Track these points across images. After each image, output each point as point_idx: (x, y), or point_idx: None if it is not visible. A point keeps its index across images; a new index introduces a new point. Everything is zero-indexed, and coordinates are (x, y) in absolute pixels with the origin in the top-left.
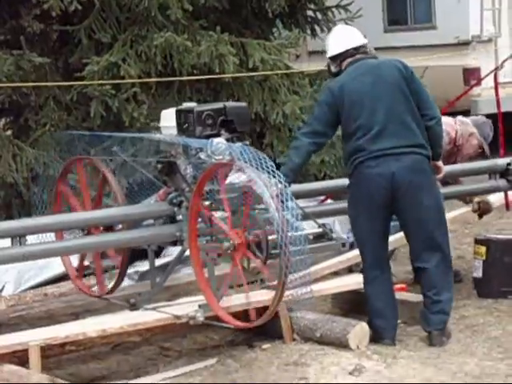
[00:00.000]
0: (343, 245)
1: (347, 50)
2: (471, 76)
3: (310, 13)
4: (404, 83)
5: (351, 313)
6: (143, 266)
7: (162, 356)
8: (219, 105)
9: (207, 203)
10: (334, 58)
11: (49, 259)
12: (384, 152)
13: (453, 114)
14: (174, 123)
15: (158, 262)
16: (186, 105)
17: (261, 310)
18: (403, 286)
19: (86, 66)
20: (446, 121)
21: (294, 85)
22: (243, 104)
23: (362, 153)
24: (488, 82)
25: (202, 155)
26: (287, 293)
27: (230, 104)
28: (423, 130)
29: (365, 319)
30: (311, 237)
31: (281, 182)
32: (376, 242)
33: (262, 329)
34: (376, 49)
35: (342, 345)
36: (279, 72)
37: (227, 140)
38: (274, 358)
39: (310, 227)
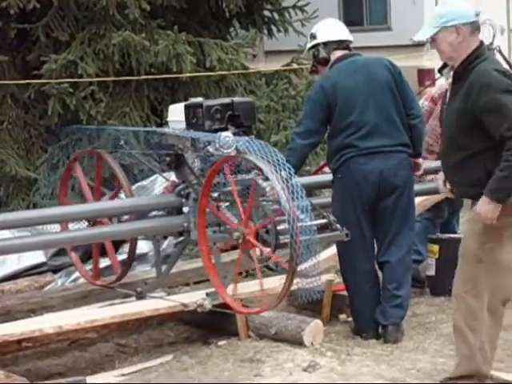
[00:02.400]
0: (347, 235)
1: (345, 41)
2: (425, 77)
3: (266, 13)
4: (393, 82)
5: (306, 310)
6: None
7: (119, 352)
8: (227, 100)
9: (215, 195)
10: (328, 44)
11: (5, 256)
12: (374, 150)
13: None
14: (182, 118)
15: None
16: (194, 100)
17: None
18: None
19: (43, 64)
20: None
21: (251, 84)
22: (249, 99)
23: (351, 149)
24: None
25: (211, 148)
26: (296, 280)
27: (237, 99)
28: (407, 128)
29: (319, 316)
30: (315, 227)
31: (290, 174)
32: (364, 236)
33: (218, 325)
34: None
35: (297, 342)
36: (236, 72)
37: (234, 134)
38: (229, 354)
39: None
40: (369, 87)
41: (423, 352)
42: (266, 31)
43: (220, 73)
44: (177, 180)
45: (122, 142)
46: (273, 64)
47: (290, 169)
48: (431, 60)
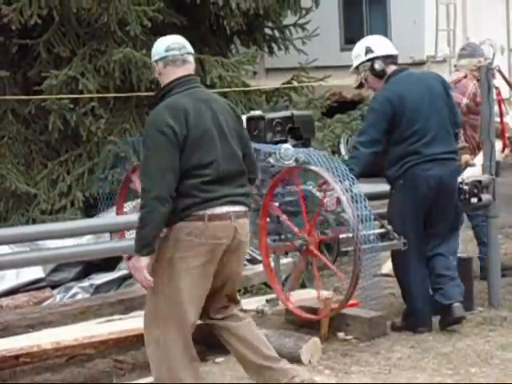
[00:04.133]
0: (404, 244)
1: (396, 55)
2: None
3: (267, 31)
4: (445, 94)
5: (304, 328)
6: (98, 278)
7: (116, 369)
8: (287, 113)
9: (276, 204)
10: (386, 58)
11: (4, 271)
12: (435, 156)
13: None
14: None
15: (114, 275)
16: (254, 112)
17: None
18: (354, 301)
19: (44, 80)
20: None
21: (251, 102)
22: (309, 112)
23: (416, 156)
24: None
25: (272, 160)
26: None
27: (297, 112)
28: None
29: (316, 334)
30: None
31: (353, 184)
32: (420, 237)
33: (216, 342)
34: (333, 67)
35: (295, 359)
36: (236, 89)
37: (293, 146)
38: (227, 371)
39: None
40: (430, 98)
41: (421, 371)
42: (266, 49)
43: (220, 90)
44: None
45: None
46: (273, 81)
47: (352, 179)
48: None
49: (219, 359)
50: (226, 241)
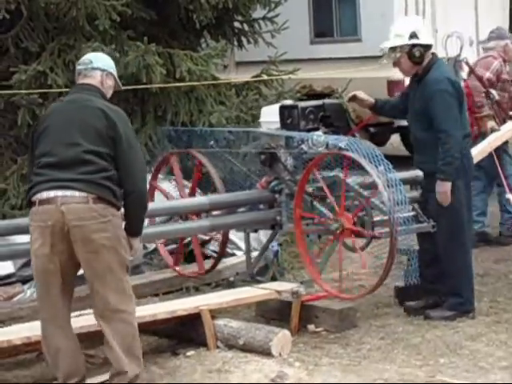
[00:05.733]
0: (433, 226)
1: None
2: (395, 88)
3: (237, 24)
4: None
5: (275, 321)
6: None
7: (87, 363)
8: (319, 102)
9: (310, 190)
10: (428, 47)
11: None
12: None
13: (376, 126)
14: (276, 118)
15: None
16: (287, 102)
17: None
18: (325, 293)
19: (13, 75)
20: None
21: (221, 95)
22: (339, 101)
23: (468, 139)
24: None
25: (304, 147)
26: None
27: (328, 101)
28: None
29: (287, 327)
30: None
31: (389, 169)
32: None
33: (186, 336)
34: (302, 60)
35: (265, 352)
36: (206, 83)
37: (325, 133)
38: (197, 365)
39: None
40: None
41: (391, 362)
42: (236, 42)
43: (190, 84)
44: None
45: (212, 142)
46: (244, 75)
47: (387, 163)
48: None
49: (190, 353)
50: (51, 223)
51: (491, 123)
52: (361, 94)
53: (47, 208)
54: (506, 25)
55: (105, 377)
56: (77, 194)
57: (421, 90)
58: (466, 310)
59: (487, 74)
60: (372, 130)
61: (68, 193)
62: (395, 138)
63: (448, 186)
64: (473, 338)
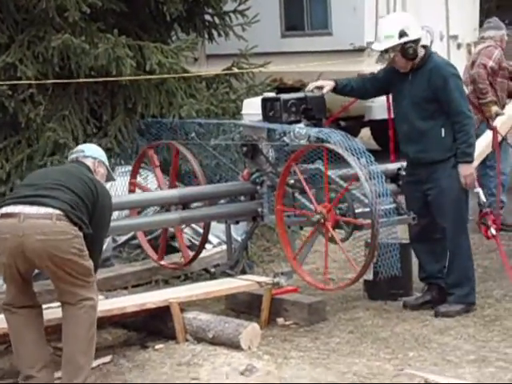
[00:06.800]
0: (413, 219)
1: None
2: None
3: (207, 17)
4: None
5: (244, 314)
6: None
7: (56, 356)
8: (301, 94)
9: (292, 182)
10: (419, 41)
11: None
12: None
13: (347, 119)
14: (258, 110)
15: None
16: (269, 94)
17: None
18: (295, 287)
19: None
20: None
21: (191, 88)
22: (321, 94)
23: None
24: None
25: (286, 139)
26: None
27: (310, 94)
28: None
29: (256, 320)
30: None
31: (370, 162)
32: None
33: (155, 329)
34: (273, 54)
35: (234, 345)
36: (176, 75)
37: (306, 126)
38: (166, 358)
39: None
40: None
41: (360, 355)
42: (206, 35)
43: (160, 76)
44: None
45: (193, 135)
46: (214, 68)
47: (369, 156)
48: (371, 65)
49: (159, 346)
50: (10, 237)
51: (495, 108)
52: (317, 83)
53: (9, 222)
54: (476, 20)
55: None
56: (41, 210)
57: (423, 78)
58: (472, 301)
59: (490, 63)
60: (342, 123)
61: (33, 209)
62: (365, 132)
63: (473, 167)
64: (441, 331)
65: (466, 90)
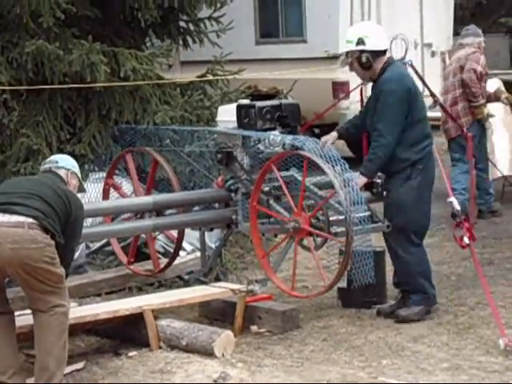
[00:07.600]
0: (388, 226)
1: (387, 50)
2: (340, 89)
3: (182, 24)
4: None
5: (218, 321)
6: None
7: (28, 363)
8: (276, 102)
9: (266, 189)
10: (377, 53)
11: None
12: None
13: (321, 127)
14: (233, 117)
15: None
16: (244, 101)
17: None
18: (269, 295)
19: None
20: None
21: (166, 95)
22: (296, 101)
23: (429, 140)
24: (356, 95)
25: (261, 146)
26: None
27: (285, 101)
28: None
29: (230, 327)
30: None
31: (345, 169)
32: (427, 217)
33: (129, 336)
34: (248, 61)
35: (208, 353)
36: (150, 82)
37: (281, 133)
38: (139, 365)
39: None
40: None
41: (333, 363)
42: (181, 42)
43: (134, 83)
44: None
45: (168, 141)
46: (189, 74)
47: (344, 163)
48: (345, 73)
49: (132, 353)
50: None
51: (486, 110)
52: (322, 140)
53: None
54: (450, 28)
55: None
56: (13, 219)
57: (376, 91)
58: (432, 303)
59: (479, 68)
60: (317, 131)
61: (5, 218)
62: (339, 140)
63: (363, 181)
64: (415, 339)
65: (442, 97)
